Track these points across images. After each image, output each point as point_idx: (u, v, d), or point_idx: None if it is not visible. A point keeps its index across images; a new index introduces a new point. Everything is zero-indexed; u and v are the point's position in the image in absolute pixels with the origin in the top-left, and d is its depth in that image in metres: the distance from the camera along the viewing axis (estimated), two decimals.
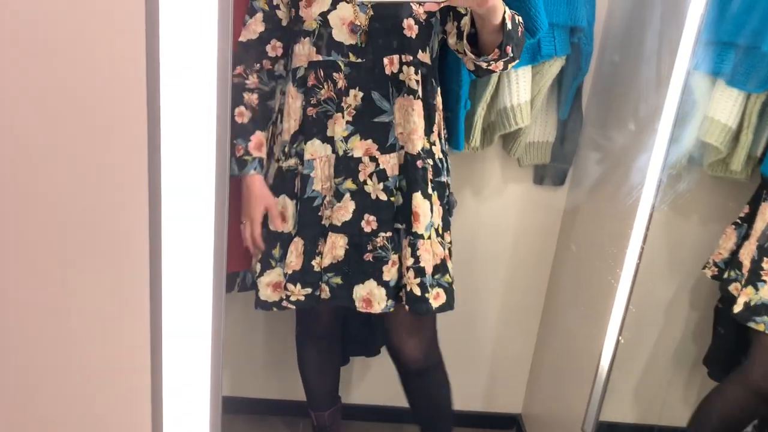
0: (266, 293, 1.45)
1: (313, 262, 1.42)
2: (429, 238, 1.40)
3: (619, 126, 1.66)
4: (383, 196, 1.40)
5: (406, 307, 1.41)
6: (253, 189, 1.40)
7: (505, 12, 1.20)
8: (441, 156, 1.46)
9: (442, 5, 1.07)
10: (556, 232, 1.97)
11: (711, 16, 1.53)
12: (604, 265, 1.65)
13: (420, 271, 1.38)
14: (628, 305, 1.57)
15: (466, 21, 1.32)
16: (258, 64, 1.40)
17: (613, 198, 1.66)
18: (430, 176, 1.41)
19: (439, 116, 1.46)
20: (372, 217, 1.40)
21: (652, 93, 1.51)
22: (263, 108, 1.42)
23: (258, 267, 1.46)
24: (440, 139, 1.46)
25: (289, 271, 1.42)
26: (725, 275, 1.67)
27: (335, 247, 1.41)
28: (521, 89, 1.62)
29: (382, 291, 1.42)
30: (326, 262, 1.42)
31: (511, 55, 1.28)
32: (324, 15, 1.32)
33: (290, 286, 1.42)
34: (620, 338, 1.58)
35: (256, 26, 1.39)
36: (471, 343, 2.07)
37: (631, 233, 1.58)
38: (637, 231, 1.57)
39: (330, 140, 1.38)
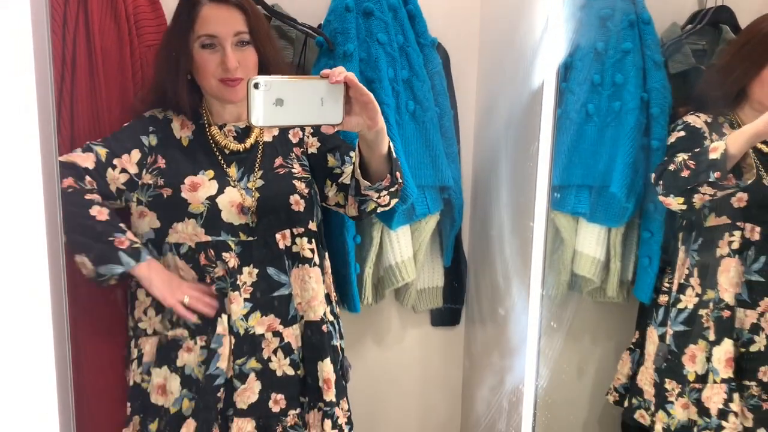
0: None
1: None
2: (338, 405, 1.38)
3: (498, 267, 1.75)
4: (290, 371, 1.37)
5: None
6: (160, 271, 1.31)
7: (389, 141, 1.24)
8: (332, 319, 1.45)
9: (336, 129, 1.10)
10: (460, 369, 2.00)
11: (564, 162, 1.68)
12: (508, 396, 1.68)
13: None
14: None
15: (347, 172, 1.37)
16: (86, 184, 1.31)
17: (503, 329, 1.72)
18: None
19: (328, 279, 1.48)
20: (280, 396, 1.36)
21: (521, 237, 1.61)
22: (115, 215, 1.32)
23: None
24: (330, 302, 1.47)
25: None
26: (626, 403, 1.74)
27: None
28: (402, 247, 1.69)
29: None
30: None
31: (400, 181, 1.31)
32: (212, 198, 1.33)
33: None
34: None
35: (83, 161, 1.31)
36: None
37: (524, 362, 1.63)
38: (530, 361, 1.62)
39: (228, 319, 1.34)
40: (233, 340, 1.35)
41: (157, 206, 1.35)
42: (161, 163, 1.36)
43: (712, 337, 1.55)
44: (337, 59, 1.54)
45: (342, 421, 1.42)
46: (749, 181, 1.43)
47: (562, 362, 1.91)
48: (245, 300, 1.34)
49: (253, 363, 1.35)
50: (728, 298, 1.54)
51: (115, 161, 1.33)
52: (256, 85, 1.01)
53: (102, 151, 1.33)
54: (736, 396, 1.53)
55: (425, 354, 1.97)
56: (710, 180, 1.42)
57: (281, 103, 1.03)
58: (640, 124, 1.64)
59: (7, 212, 0.65)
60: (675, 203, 1.51)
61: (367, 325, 1.90)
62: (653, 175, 1.56)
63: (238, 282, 1.34)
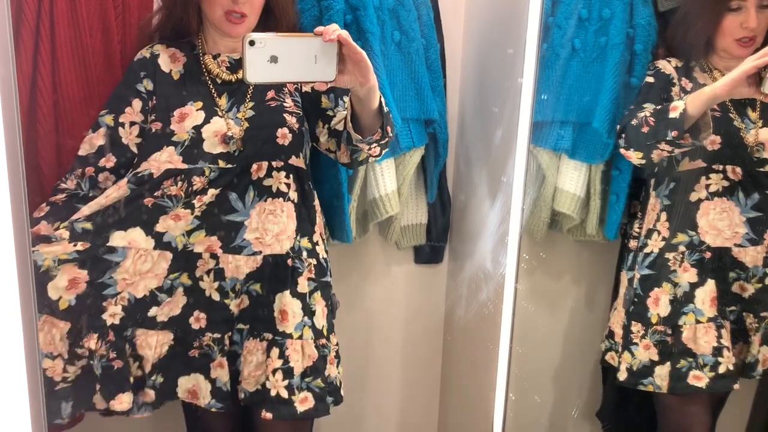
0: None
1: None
2: (300, 338, 1.38)
3: (480, 205, 1.77)
4: (216, 296, 1.39)
5: (268, 414, 1.36)
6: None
7: (380, 96, 1.28)
8: (324, 256, 1.48)
9: (330, 85, 1.16)
10: (442, 307, 2.04)
11: (547, 98, 1.69)
12: (488, 331, 1.72)
13: (288, 373, 1.36)
14: (509, 368, 1.63)
15: (339, 117, 1.39)
16: (81, 171, 1.37)
17: (484, 268, 1.75)
18: (311, 275, 1.43)
19: (320, 218, 1.50)
20: (202, 315, 1.39)
21: (503, 173, 1.63)
22: (67, 205, 1.36)
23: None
24: (323, 239, 1.49)
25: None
26: (602, 346, 1.78)
27: (159, 344, 1.39)
28: (387, 180, 1.71)
29: (209, 386, 1.40)
30: (149, 365, 1.38)
31: (390, 135, 1.35)
32: (197, 128, 1.35)
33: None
34: (510, 399, 1.63)
35: (97, 140, 1.38)
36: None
37: (502, 298, 1.66)
38: (508, 296, 1.65)
39: (157, 236, 1.35)
40: (170, 255, 1.37)
41: (143, 141, 1.39)
42: (156, 102, 1.39)
43: (693, 279, 1.58)
44: None
45: (331, 355, 1.45)
46: (705, 141, 1.48)
47: (541, 296, 1.95)
48: (195, 217, 1.36)
49: (184, 278, 1.39)
50: (710, 240, 1.58)
51: (121, 118, 1.39)
52: (251, 43, 1.05)
53: (108, 118, 1.39)
54: (723, 332, 1.58)
55: (408, 291, 2.00)
56: (668, 138, 1.46)
57: (276, 60, 1.06)
58: (624, 60, 1.65)
59: None
60: (635, 157, 1.57)
61: (352, 260, 1.92)
62: (618, 127, 1.60)
63: (195, 201, 1.36)
